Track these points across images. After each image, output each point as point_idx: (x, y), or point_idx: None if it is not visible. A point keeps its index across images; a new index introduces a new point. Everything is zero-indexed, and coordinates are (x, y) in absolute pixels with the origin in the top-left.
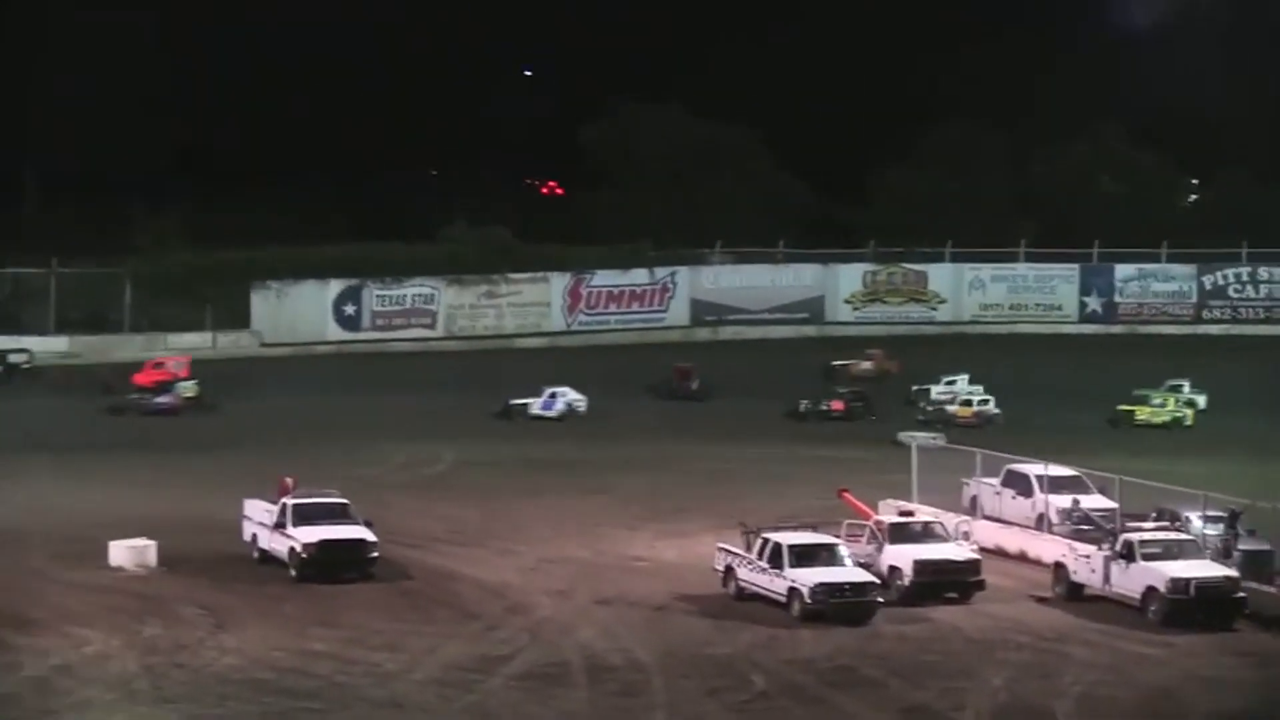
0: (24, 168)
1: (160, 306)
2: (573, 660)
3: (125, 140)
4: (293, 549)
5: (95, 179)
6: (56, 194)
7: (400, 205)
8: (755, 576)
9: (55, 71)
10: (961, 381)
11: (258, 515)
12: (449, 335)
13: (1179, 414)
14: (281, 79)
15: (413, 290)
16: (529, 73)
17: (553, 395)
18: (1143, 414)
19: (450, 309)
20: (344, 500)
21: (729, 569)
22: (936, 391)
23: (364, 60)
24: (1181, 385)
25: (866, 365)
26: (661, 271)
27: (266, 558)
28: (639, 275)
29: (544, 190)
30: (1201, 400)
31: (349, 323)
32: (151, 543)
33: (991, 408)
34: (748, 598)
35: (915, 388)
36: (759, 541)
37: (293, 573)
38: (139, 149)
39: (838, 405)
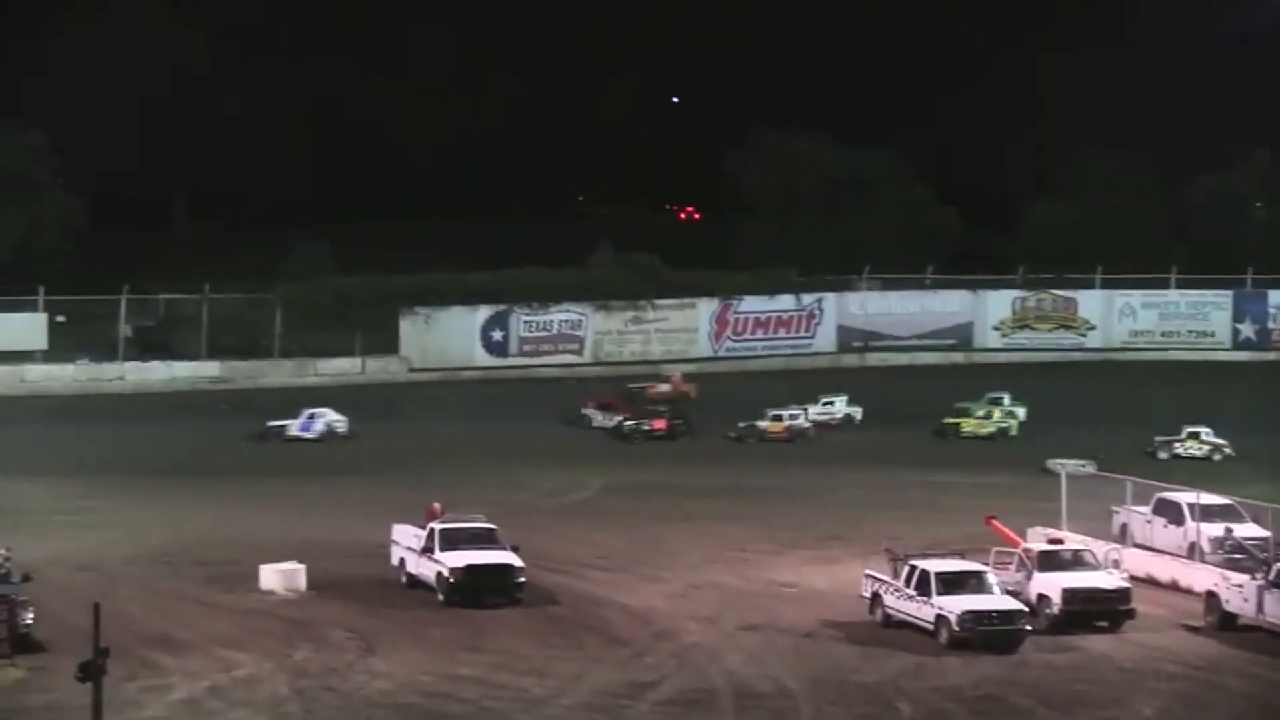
0: (176, 195)
1: (310, 332)
2: (720, 687)
3: (275, 167)
4: (440, 574)
5: (246, 206)
6: (208, 221)
7: (548, 231)
8: (902, 603)
9: (205, 101)
10: (840, 402)
11: (406, 540)
12: (596, 361)
13: (1004, 425)
14: (430, 106)
15: (560, 316)
16: (676, 100)
17: (311, 416)
18: (969, 425)
19: (597, 335)
20: (491, 525)
21: (876, 596)
22: (814, 411)
23: (512, 87)
24: (1001, 398)
25: (664, 388)
26: (809, 298)
27: (414, 582)
28: (786, 301)
29: (681, 216)
30: (1021, 412)
31: (497, 348)
32: (301, 566)
33: (803, 423)
34: (895, 625)
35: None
36: (906, 568)
37: (440, 597)
38: (289, 176)
39: (659, 424)
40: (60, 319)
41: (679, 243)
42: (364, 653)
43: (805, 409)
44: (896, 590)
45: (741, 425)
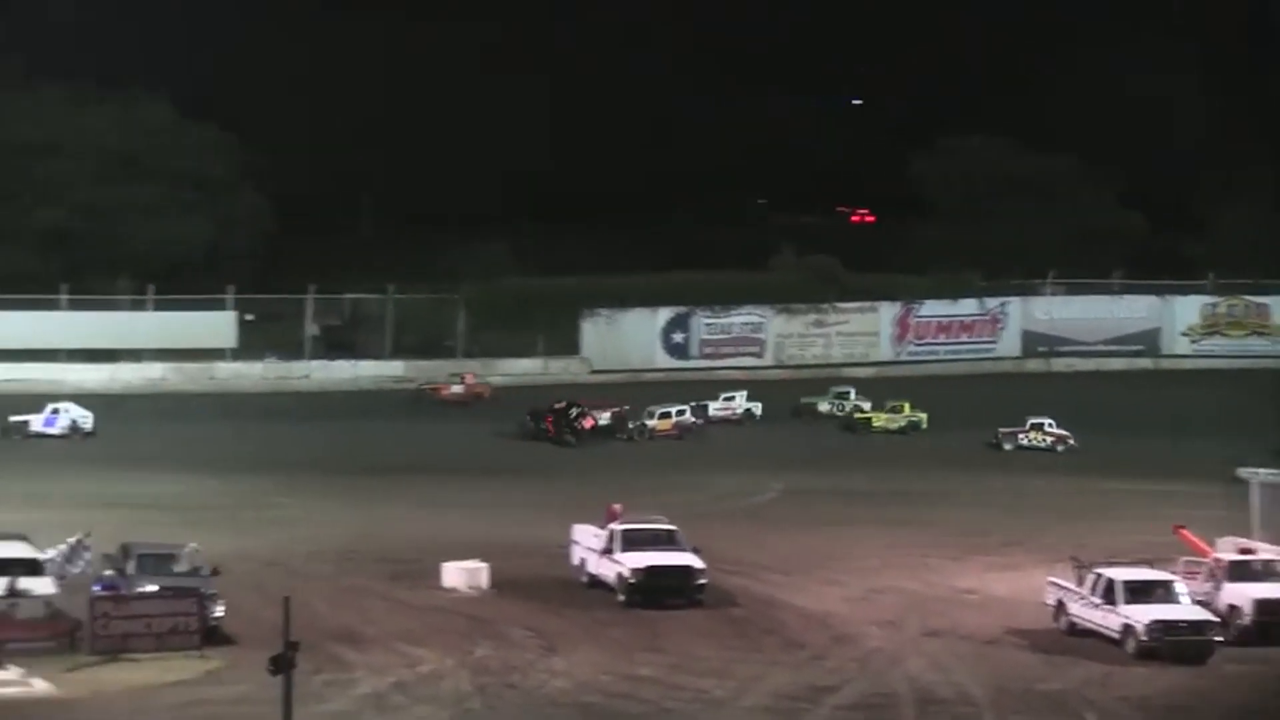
0: (362, 196)
1: (492, 332)
2: (901, 692)
3: (461, 168)
4: (620, 574)
5: (431, 207)
6: (394, 221)
7: (729, 234)
8: (1088, 612)
9: (390, 102)
10: (740, 397)
11: (586, 540)
12: (777, 364)
13: (914, 419)
14: (609, 106)
15: (741, 319)
16: (857, 102)
17: (55, 411)
18: (879, 420)
19: (779, 338)
20: (672, 527)
21: (1060, 604)
22: (714, 407)
23: (691, 89)
24: (848, 391)
25: (457, 389)
26: (992, 302)
27: (595, 582)
28: (969, 306)
29: (854, 218)
30: (867, 405)
31: (678, 350)
32: (484, 565)
33: (689, 418)
34: (1080, 633)
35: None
36: (1092, 576)
37: (620, 598)
38: (475, 177)
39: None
40: (249, 318)
41: (857, 246)
42: (545, 651)
43: (698, 405)
44: (1082, 598)
45: (632, 425)
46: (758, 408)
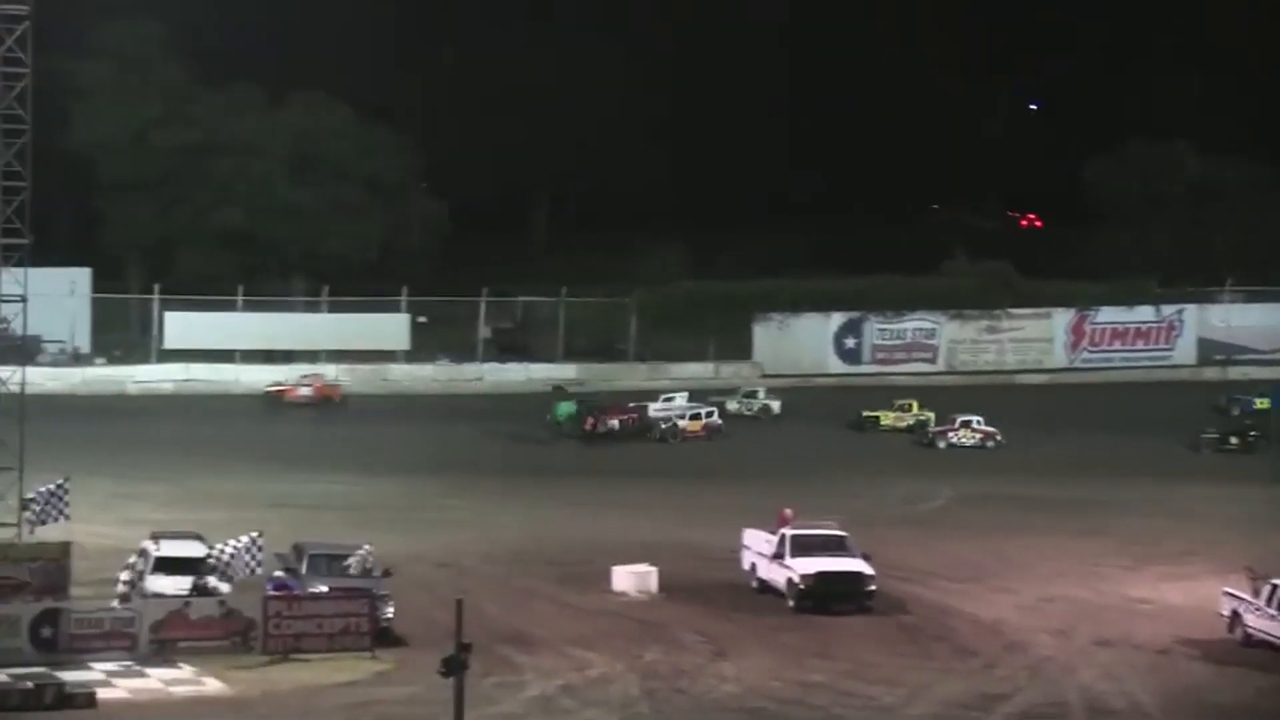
0: (535, 199)
1: (664, 336)
2: (1072, 701)
3: (633, 172)
4: (790, 579)
5: (604, 210)
6: (566, 225)
7: (901, 238)
8: (1264, 623)
9: (563, 105)
10: (680, 399)
11: (757, 545)
12: (949, 370)
13: (922, 418)
14: (781, 110)
15: (913, 324)
16: (1034, 107)
17: None
18: (888, 419)
19: (951, 343)
20: (843, 533)
21: (1235, 614)
22: (654, 409)
23: (862, 92)
24: (756, 392)
25: (305, 391)
26: (1168, 309)
27: (765, 587)
28: (1145, 312)
29: (1023, 223)
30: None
31: (850, 355)
32: (653, 569)
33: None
34: (1255, 644)
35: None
36: (1268, 588)
37: (790, 603)
38: (647, 181)
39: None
40: (422, 320)
41: (1028, 251)
42: (714, 656)
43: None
44: (1257, 609)
45: (663, 426)
46: (776, 404)
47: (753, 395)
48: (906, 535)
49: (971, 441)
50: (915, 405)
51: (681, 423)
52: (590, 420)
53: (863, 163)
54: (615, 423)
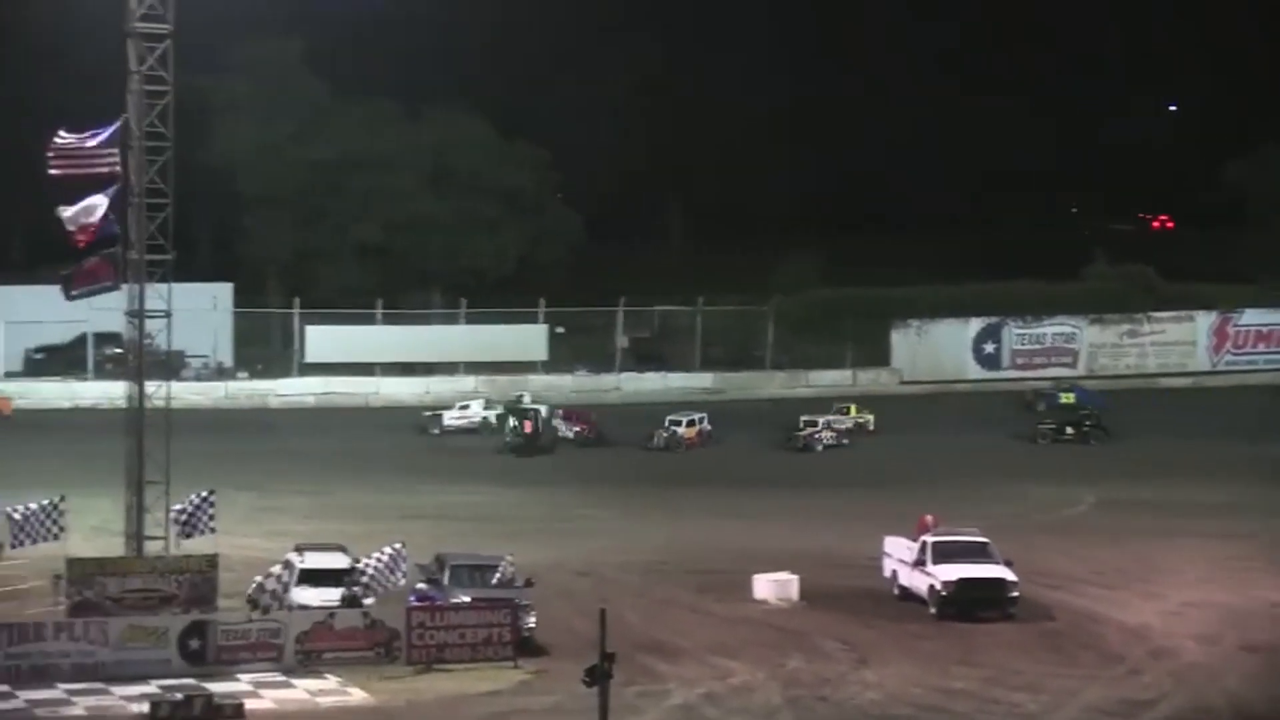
0: (670, 208)
1: (801, 344)
2: (1219, 708)
3: (768, 180)
4: (932, 586)
5: (739, 219)
6: (701, 234)
7: (1039, 243)
8: None
9: (695, 116)
10: (475, 405)
11: (898, 552)
12: (1090, 374)
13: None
14: (915, 115)
15: (1053, 329)
16: (1173, 108)
17: None
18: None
19: (1092, 347)
20: (984, 539)
21: None
22: (449, 417)
23: (1001, 97)
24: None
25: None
26: None
27: (906, 594)
28: None
29: (1154, 225)
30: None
31: (989, 361)
32: (794, 577)
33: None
34: None
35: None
36: None
37: (932, 610)
38: (782, 188)
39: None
40: (560, 330)
41: (1165, 253)
42: (856, 664)
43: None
44: None
45: (665, 435)
46: (494, 414)
47: (844, 412)
48: (1048, 541)
49: (831, 440)
50: (853, 409)
51: (679, 430)
52: (529, 425)
53: (1000, 167)
54: (571, 432)
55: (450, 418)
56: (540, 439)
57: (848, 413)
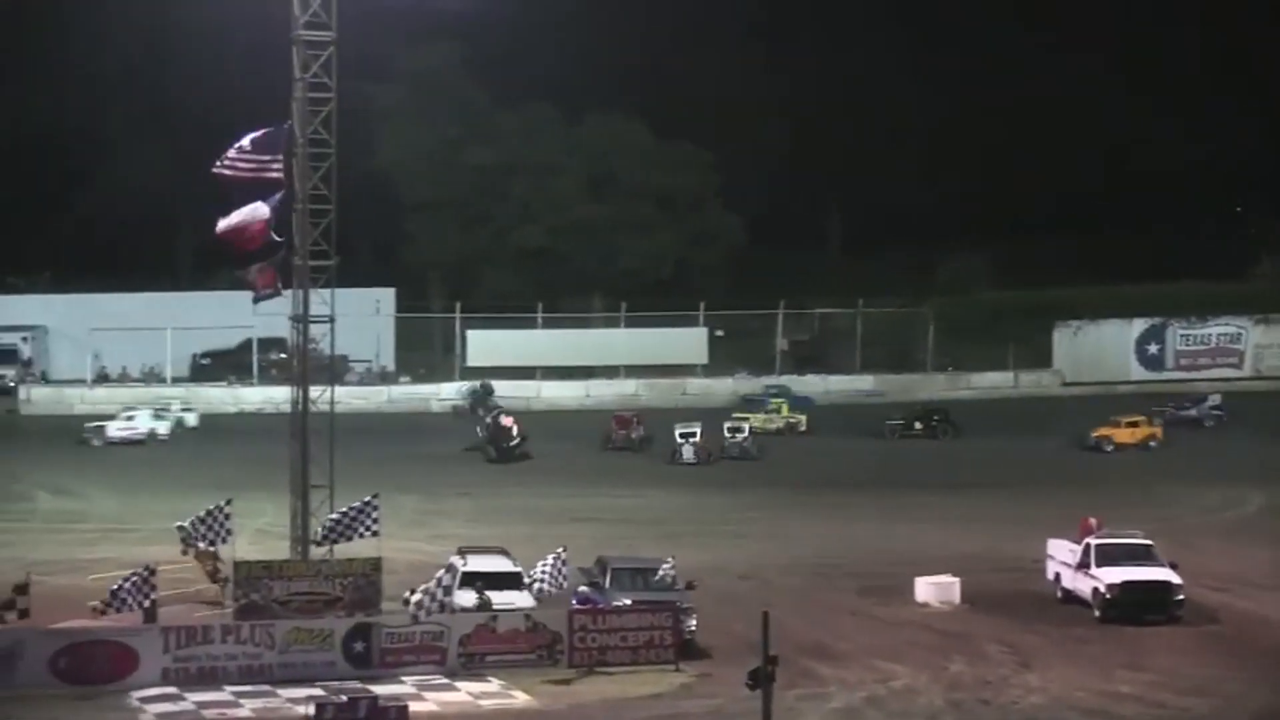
0: (829, 211)
1: (962, 346)
2: None
3: (927, 182)
4: (1096, 589)
5: (898, 221)
6: (863, 236)
7: (1204, 243)
8: None
9: (858, 117)
10: (141, 414)
11: (1061, 555)
12: (1256, 375)
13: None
14: (1075, 115)
15: (1218, 329)
16: None
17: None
18: (756, 422)
19: (1257, 348)
20: (1148, 541)
21: None
22: (114, 428)
23: (1162, 94)
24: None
25: None
26: None
27: (1069, 597)
28: None
29: None
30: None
31: (1152, 362)
32: (955, 579)
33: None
34: None
35: None
36: None
37: (1096, 613)
38: (941, 191)
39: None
40: (719, 333)
41: None
42: (1019, 667)
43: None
44: None
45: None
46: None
47: (775, 411)
48: (1212, 543)
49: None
50: (784, 407)
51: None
52: (511, 423)
53: (1165, 167)
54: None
55: (115, 429)
56: (523, 443)
57: (779, 412)
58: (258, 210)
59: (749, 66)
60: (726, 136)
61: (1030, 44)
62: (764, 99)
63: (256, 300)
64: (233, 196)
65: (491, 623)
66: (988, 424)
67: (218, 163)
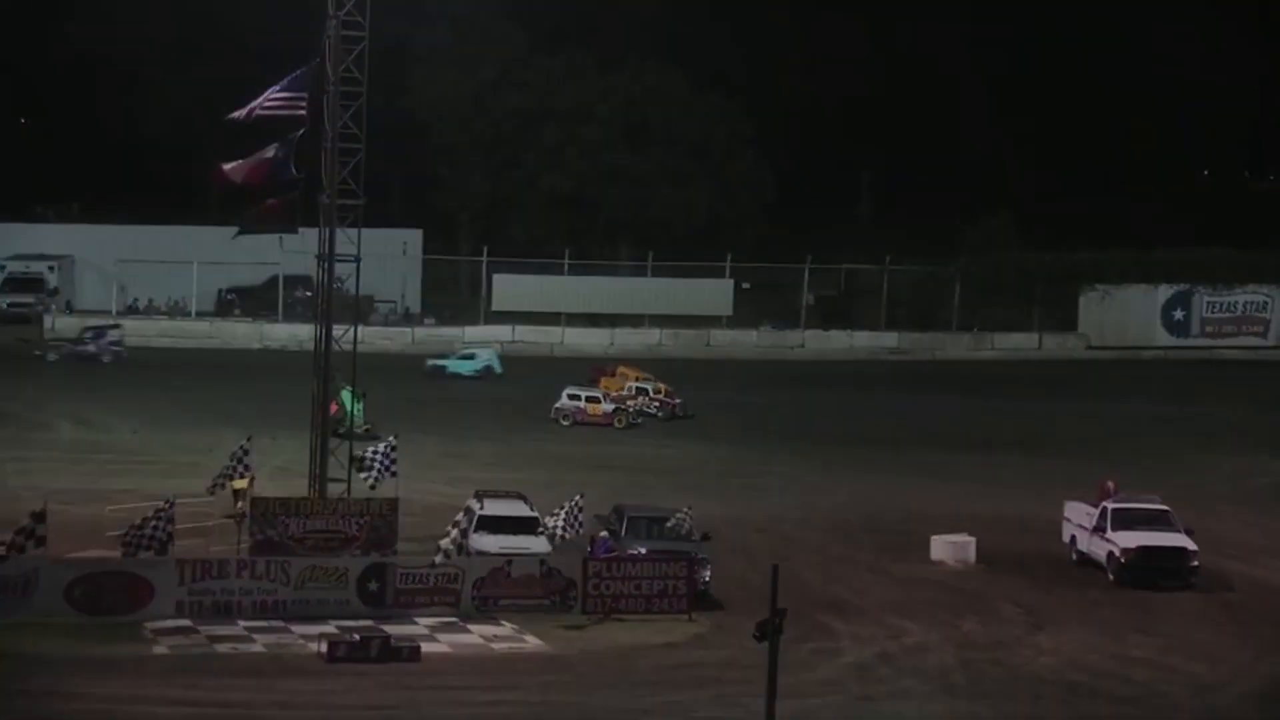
0: (861, 167)
1: (988, 306)
2: None
3: (961, 141)
4: (1111, 553)
5: (930, 179)
6: (892, 192)
7: (1233, 210)
8: None
9: (891, 75)
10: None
11: (1078, 518)
12: None
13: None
14: (1102, 81)
15: (1244, 297)
16: None
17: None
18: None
19: None
20: (1165, 507)
21: None
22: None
23: (1190, 62)
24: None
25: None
26: None
27: (1084, 560)
28: None
29: None
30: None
31: (1177, 328)
32: (971, 539)
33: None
34: None
35: None
36: None
37: (1111, 577)
38: (974, 150)
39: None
40: (746, 286)
41: None
42: (1032, 628)
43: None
44: None
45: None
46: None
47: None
48: (1230, 511)
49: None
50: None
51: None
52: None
53: (1190, 133)
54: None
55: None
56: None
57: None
58: (264, 152)
59: (784, 23)
60: (761, 91)
61: (1067, 6)
62: (801, 55)
63: (240, 233)
64: (259, 132)
65: (507, 567)
66: (1012, 386)
67: (244, 109)
